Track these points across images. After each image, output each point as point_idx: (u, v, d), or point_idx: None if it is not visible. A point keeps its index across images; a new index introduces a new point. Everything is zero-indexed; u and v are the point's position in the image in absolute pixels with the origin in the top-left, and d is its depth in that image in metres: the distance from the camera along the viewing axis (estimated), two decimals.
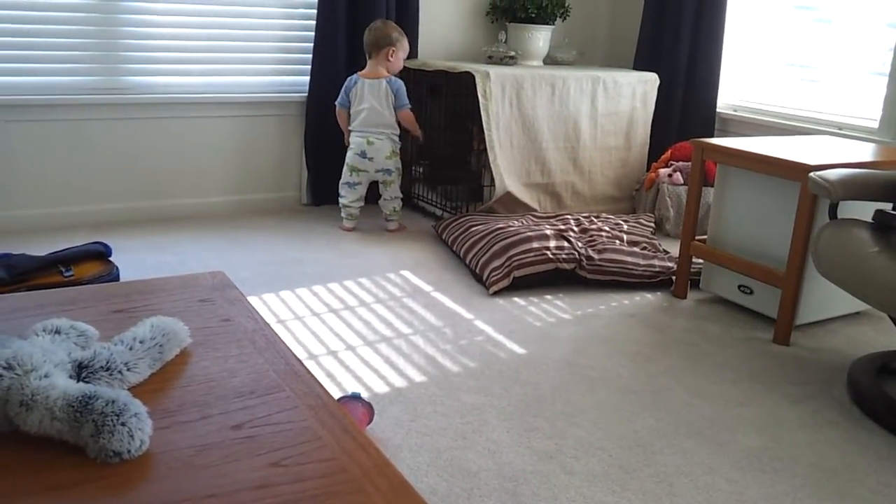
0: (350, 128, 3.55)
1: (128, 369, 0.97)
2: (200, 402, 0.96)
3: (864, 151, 2.76)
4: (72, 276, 2.53)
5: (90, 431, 0.83)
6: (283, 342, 1.13)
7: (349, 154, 3.54)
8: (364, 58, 3.62)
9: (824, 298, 2.66)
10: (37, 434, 0.86)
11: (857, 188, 2.18)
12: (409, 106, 3.54)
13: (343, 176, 3.57)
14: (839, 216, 2.31)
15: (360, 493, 0.79)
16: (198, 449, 0.86)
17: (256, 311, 1.23)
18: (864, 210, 2.54)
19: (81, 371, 0.94)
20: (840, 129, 3.49)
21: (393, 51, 3.51)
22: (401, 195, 3.62)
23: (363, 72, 3.54)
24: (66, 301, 1.23)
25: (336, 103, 3.58)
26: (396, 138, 3.56)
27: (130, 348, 1.00)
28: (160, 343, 1.03)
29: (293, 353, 1.10)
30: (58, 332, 1.02)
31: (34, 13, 3.24)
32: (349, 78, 3.56)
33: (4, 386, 0.87)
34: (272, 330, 1.17)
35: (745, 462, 1.86)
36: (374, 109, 3.48)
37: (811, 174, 2.24)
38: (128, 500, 0.77)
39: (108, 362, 0.96)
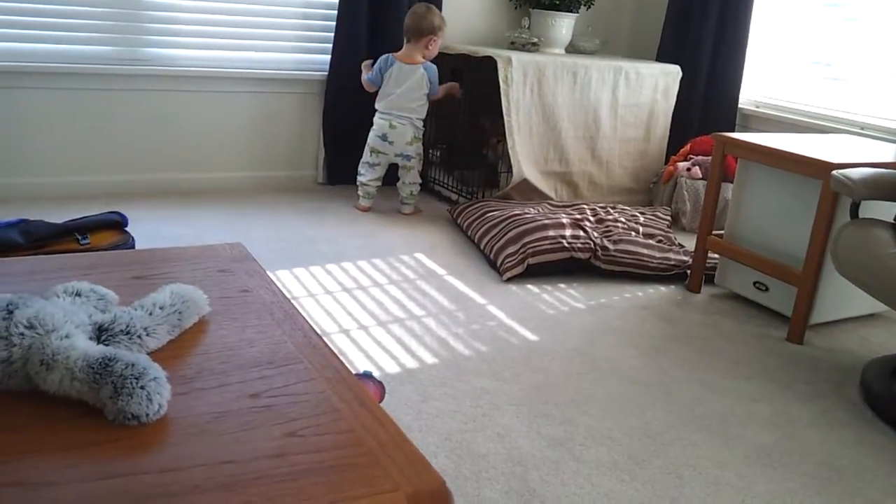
0: (376, 107, 3.53)
1: (147, 334, 0.97)
2: (218, 370, 0.96)
3: (887, 152, 2.73)
4: (88, 244, 2.54)
5: (109, 393, 0.83)
6: (301, 315, 1.13)
7: (371, 135, 3.54)
8: (388, 39, 3.61)
9: (840, 298, 2.64)
10: (56, 394, 0.86)
11: (880, 188, 2.16)
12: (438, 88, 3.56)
13: (363, 156, 3.57)
14: (860, 216, 2.29)
15: (376, 466, 0.79)
16: (215, 416, 0.86)
17: (275, 284, 1.23)
18: (885, 210, 2.52)
19: (101, 334, 0.94)
20: (863, 128, 3.46)
21: (433, 40, 3.48)
22: (419, 181, 3.61)
23: (399, 54, 3.51)
24: (86, 266, 1.24)
25: (367, 78, 3.55)
26: (420, 124, 3.54)
27: (150, 314, 1.00)
28: (179, 310, 1.03)
29: (311, 326, 1.10)
30: (78, 294, 1.02)
31: None
32: (384, 57, 3.51)
33: (25, 345, 0.87)
34: (290, 302, 1.17)
35: (755, 458, 1.86)
36: (403, 94, 3.47)
37: (834, 172, 2.22)
38: (145, 462, 0.77)
39: (127, 326, 0.96)
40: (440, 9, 3.90)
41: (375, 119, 3.53)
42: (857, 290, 2.62)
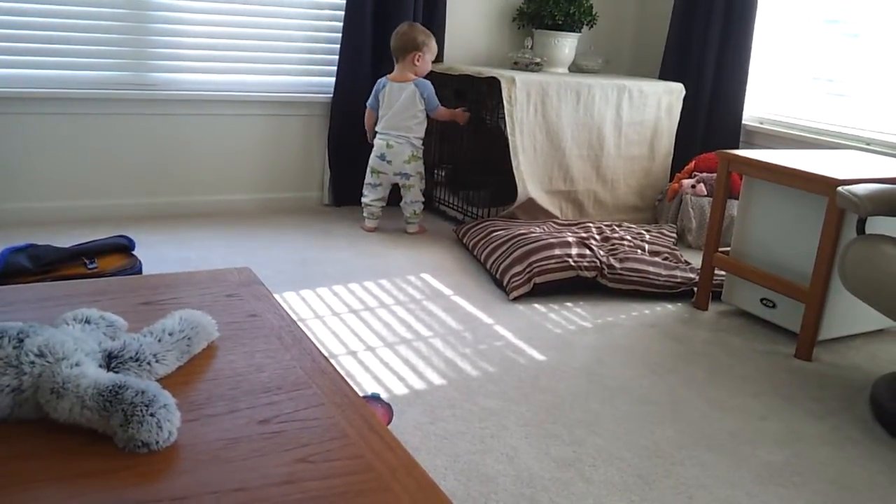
0: (376, 129, 3.57)
1: (156, 361, 0.97)
2: (228, 396, 0.96)
3: (894, 167, 2.73)
4: (95, 268, 2.55)
5: (119, 421, 0.84)
6: (310, 339, 1.13)
7: (371, 155, 3.56)
8: (391, 60, 3.63)
9: (848, 314, 2.63)
10: (66, 422, 0.86)
11: (887, 204, 2.16)
12: (440, 106, 3.55)
13: (366, 177, 3.59)
14: (866, 231, 2.28)
15: (386, 492, 0.79)
16: (225, 442, 0.86)
17: (283, 308, 1.24)
18: (892, 226, 2.52)
19: (111, 361, 0.94)
20: (867, 144, 3.46)
21: (419, 55, 3.50)
22: (421, 199, 3.62)
23: (391, 75, 3.55)
24: (94, 292, 1.24)
25: (367, 105, 3.61)
26: (418, 143, 3.56)
27: (159, 340, 1.00)
28: (188, 336, 1.03)
29: (319, 351, 1.10)
30: (87, 321, 1.03)
31: (65, 7, 3.28)
32: (378, 81, 3.57)
33: (36, 373, 0.87)
34: (298, 327, 1.17)
35: (766, 476, 1.84)
36: (398, 113, 3.49)
37: (839, 188, 2.22)
38: (155, 490, 0.77)
39: (137, 353, 0.96)
40: (443, 31, 3.94)
41: (375, 140, 3.56)
42: (865, 306, 2.61)
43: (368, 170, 3.58)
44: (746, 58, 3.98)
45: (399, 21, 3.71)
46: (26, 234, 3.16)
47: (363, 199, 3.61)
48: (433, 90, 3.54)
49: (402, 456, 0.86)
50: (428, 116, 3.56)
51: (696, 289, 2.98)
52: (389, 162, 3.52)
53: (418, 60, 3.51)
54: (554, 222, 3.50)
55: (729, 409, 2.17)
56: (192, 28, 3.54)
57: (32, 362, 0.88)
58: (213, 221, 3.60)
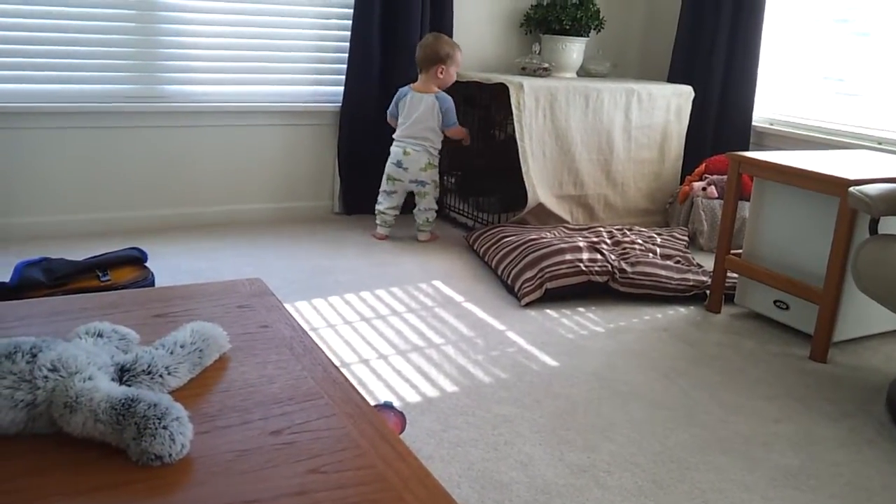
0: (393, 136, 3.58)
1: (169, 373, 0.98)
2: (240, 408, 0.96)
3: None
4: (108, 280, 2.56)
5: (132, 434, 0.84)
6: (321, 349, 1.13)
7: (387, 163, 3.58)
8: (400, 69, 3.65)
9: (862, 315, 2.61)
10: (79, 436, 0.87)
11: None
12: (457, 124, 3.56)
13: (382, 184, 3.61)
14: (879, 231, 2.27)
15: (399, 502, 0.79)
16: (237, 454, 0.86)
17: (294, 319, 1.24)
18: None
19: (123, 374, 0.95)
20: (879, 143, 3.45)
21: (443, 68, 3.51)
22: (435, 207, 3.62)
23: (415, 84, 3.56)
24: (107, 305, 1.25)
25: (388, 111, 3.65)
26: (435, 151, 3.56)
27: (171, 352, 1.01)
28: (200, 348, 1.04)
29: (330, 361, 1.10)
30: (100, 335, 1.03)
31: (74, 22, 3.30)
32: (401, 89, 3.59)
33: (49, 387, 0.88)
34: (309, 337, 1.17)
35: (781, 480, 1.83)
36: (417, 122, 3.50)
37: (851, 189, 2.21)
38: (169, 502, 0.78)
39: (149, 366, 0.97)
40: (451, 37, 3.94)
41: (392, 147, 3.57)
42: (880, 307, 2.59)
43: (384, 176, 3.60)
44: (755, 58, 3.96)
45: (407, 29, 3.72)
46: (40, 247, 3.18)
47: (378, 207, 3.62)
48: (454, 107, 3.54)
49: (414, 465, 0.86)
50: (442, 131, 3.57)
51: (708, 292, 2.97)
52: (406, 169, 3.53)
53: (441, 73, 3.52)
54: (565, 227, 3.50)
55: (743, 412, 2.16)
56: (201, 40, 3.56)
57: (46, 377, 0.88)
58: (225, 232, 3.62)
